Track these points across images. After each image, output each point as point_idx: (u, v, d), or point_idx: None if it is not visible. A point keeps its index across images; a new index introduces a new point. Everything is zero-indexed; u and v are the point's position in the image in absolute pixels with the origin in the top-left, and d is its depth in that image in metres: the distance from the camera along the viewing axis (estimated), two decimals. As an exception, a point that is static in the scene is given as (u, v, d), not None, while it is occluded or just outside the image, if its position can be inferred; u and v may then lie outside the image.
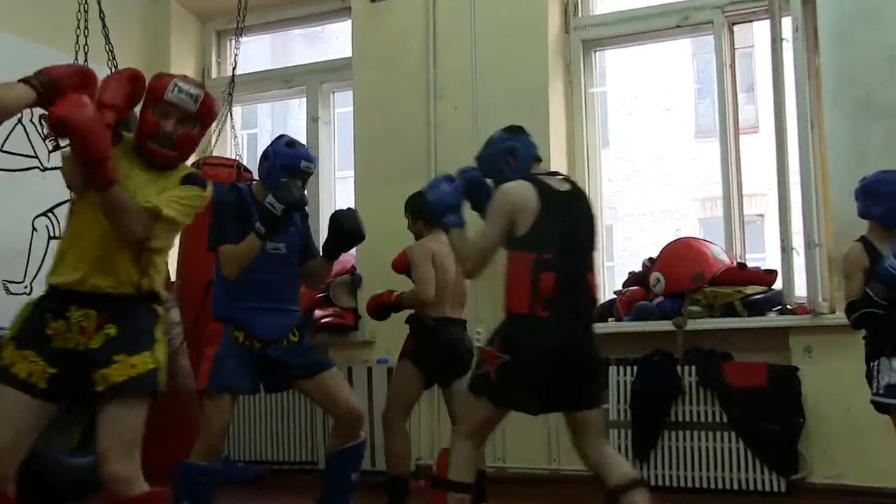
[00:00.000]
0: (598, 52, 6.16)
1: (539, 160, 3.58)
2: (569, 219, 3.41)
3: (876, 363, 3.82)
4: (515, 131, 3.60)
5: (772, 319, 5.06)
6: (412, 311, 4.58)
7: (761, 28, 5.75)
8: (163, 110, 3.05)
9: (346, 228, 4.00)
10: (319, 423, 5.79)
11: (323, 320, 5.77)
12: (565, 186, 3.50)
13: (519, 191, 3.37)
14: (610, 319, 5.41)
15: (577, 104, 5.85)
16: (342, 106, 6.93)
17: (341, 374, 4.17)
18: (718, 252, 5.32)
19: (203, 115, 3.10)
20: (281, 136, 4.09)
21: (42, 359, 2.94)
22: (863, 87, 4.84)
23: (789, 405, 4.84)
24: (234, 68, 6.05)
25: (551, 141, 5.58)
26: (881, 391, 3.78)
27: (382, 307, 4.70)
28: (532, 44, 5.74)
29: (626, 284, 5.56)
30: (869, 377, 3.84)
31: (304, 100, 6.79)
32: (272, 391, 4.11)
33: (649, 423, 5.04)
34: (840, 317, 4.72)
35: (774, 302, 5.11)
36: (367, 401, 5.49)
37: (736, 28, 5.68)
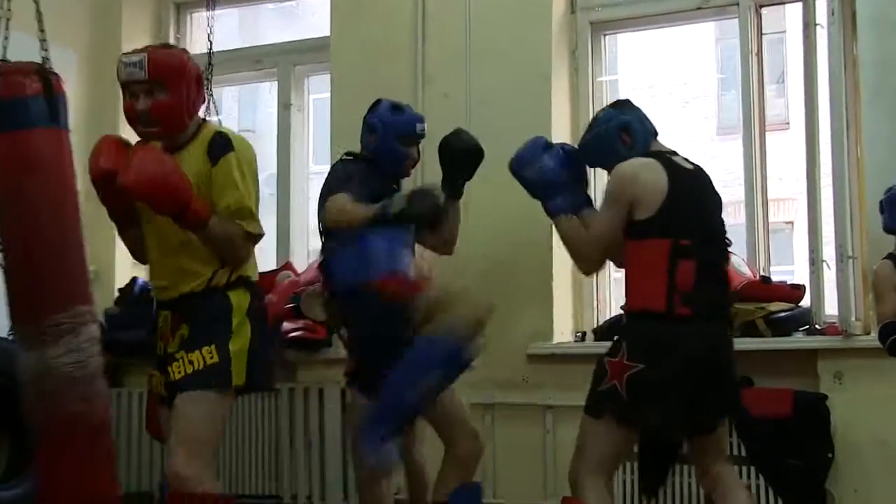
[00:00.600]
0: (608, 36, 6.16)
1: (657, 135, 3.48)
2: (702, 202, 3.35)
3: None
4: (625, 105, 3.53)
5: (798, 340, 5.07)
6: None
7: (793, 11, 5.78)
8: (129, 93, 3.28)
9: (460, 147, 3.86)
10: (285, 450, 5.78)
11: (291, 334, 5.76)
12: (689, 165, 3.44)
13: (642, 168, 3.29)
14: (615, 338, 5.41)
15: (583, 94, 5.85)
16: (318, 91, 6.93)
17: None
18: (739, 263, 5.32)
19: (160, 75, 3.19)
20: (379, 101, 4.10)
21: (157, 368, 3.37)
22: (905, 80, 4.87)
23: (817, 437, 4.83)
24: (210, 46, 5.90)
25: (553, 135, 5.56)
26: None
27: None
28: (533, 25, 5.75)
29: (635, 298, 5.56)
30: None
31: (276, 84, 6.79)
32: None
33: (658, 455, 5.04)
34: (875, 339, 4.74)
35: (802, 321, 5.12)
36: (341, 429, 5.48)
37: (765, 11, 5.68)
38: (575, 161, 3.56)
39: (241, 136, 3.48)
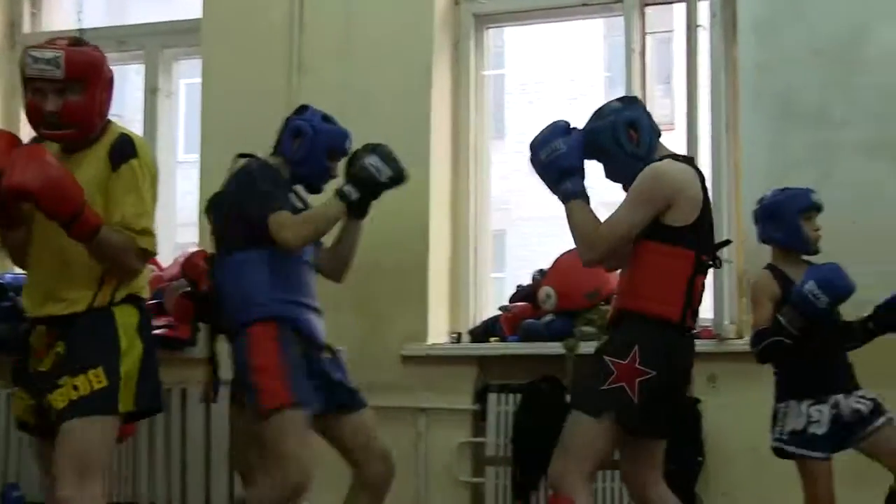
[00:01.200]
0: (492, 30, 6.23)
1: (660, 135, 3.47)
2: (710, 214, 3.42)
3: (784, 405, 3.98)
4: (632, 101, 3.53)
5: (672, 344, 5.22)
6: None
7: (680, 11, 5.93)
8: (33, 89, 3.09)
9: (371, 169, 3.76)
10: (143, 454, 5.72)
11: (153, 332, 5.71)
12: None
13: (682, 174, 3.31)
14: (492, 339, 5.51)
15: (465, 87, 5.90)
16: (189, 76, 6.88)
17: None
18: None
19: (79, 74, 3.08)
20: (304, 107, 3.99)
21: (26, 391, 3.19)
22: (782, 84, 5.04)
23: (688, 442, 4.93)
24: (80, 22, 5.80)
25: (432, 128, 5.63)
26: (784, 437, 3.95)
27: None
28: (415, 16, 5.78)
29: (512, 299, 5.66)
30: (773, 419, 4.01)
31: (143, 67, 6.71)
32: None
33: (532, 460, 5.15)
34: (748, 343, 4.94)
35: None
36: (203, 431, 5.44)
37: (651, 10, 5.77)
38: (583, 149, 3.47)
39: (143, 140, 3.37)
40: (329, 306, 4.02)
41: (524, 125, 13.36)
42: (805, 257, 4.10)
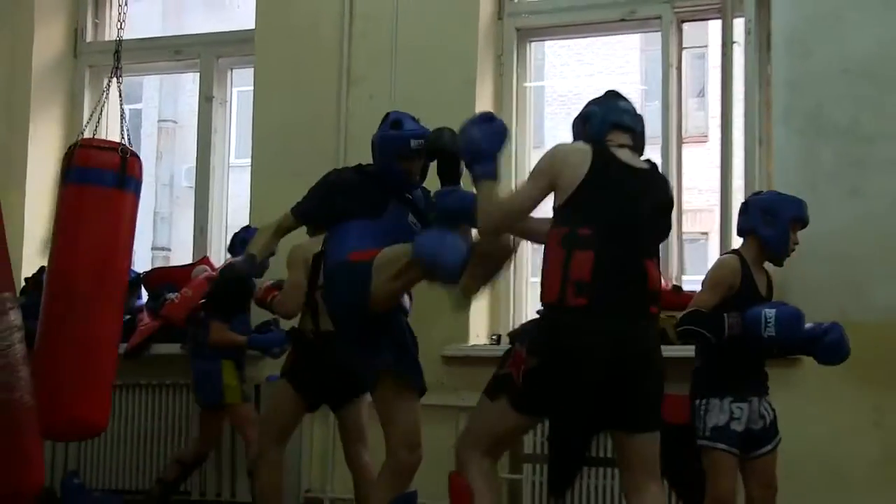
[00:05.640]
0: (533, 43, 6.35)
1: (626, 129, 3.41)
2: (629, 196, 3.27)
3: (703, 402, 4.01)
4: (609, 95, 3.52)
5: (705, 349, 5.26)
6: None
7: (715, 28, 6.01)
8: None
9: (437, 147, 3.85)
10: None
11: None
12: (641, 164, 3.40)
13: (568, 151, 3.28)
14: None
15: (507, 98, 6.02)
16: (242, 85, 6.99)
17: None
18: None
19: None
20: (388, 115, 4.16)
21: None
22: (813, 101, 5.12)
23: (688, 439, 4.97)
24: (119, 32, 5.90)
25: (476, 139, 5.73)
26: (707, 433, 4.00)
27: (260, 303, 4.86)
28: (460, 30, 5.92)
29: (548, 303, 5.73)
30: (692, 415, 4.04)
31: (198, 75, 6.85)
32: None
33: (565, 457, 5.19)
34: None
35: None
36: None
37: (688, 26, 5.91)
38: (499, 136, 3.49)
39: None
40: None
41: (563, 135, 13.42)
42: (766, 265, 4.15)
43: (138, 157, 5.00)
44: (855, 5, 5.11)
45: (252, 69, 6.39)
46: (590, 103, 3.51)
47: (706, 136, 10.88)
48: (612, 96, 3.52)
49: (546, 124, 12.21)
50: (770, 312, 3.86)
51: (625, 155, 3.35)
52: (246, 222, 5.91)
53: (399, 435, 3.96)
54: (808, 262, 4.93)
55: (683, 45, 5.89)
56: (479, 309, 5.69)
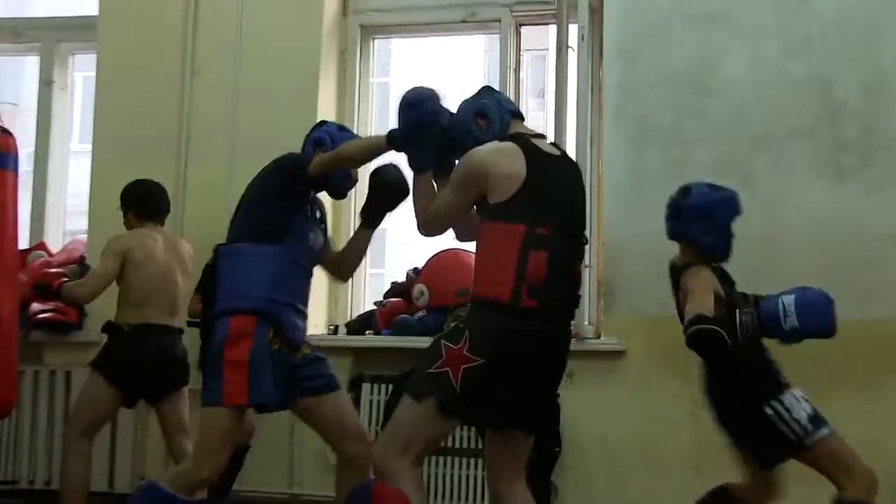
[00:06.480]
0: (378, 40, 6.43)
1: (521, 117, 3.38)
2: (563, 189, 3.20)
3: (775, 403, 3.50)
4: (483, 91, 3.43)
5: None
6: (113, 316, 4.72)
7: (554, 32, 6.17)
8: None
9: (390, 181, 3.87)
10: (26, 434, 5.72)
11: (40, 315, 5.72)
12: (554, 151, 3.34)
13: (494, 153, 3.14)
14: (368, 332, 5.69)
15: (350, 93, 6.09)
16: (84, 70, 6.86)
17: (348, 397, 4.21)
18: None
19: None
20: (323, 122, 4.16)
21: None
22: (641, 105, 5.35)
23: (547, 433, 5.04)
24: None
25: (318, 132, 5.78)
26: (808, 427, 3.48)
27: (42, 286, 4.72)
28: (305, 24, 5.95)
29: (387, 295, 5.85)
30: (772, 423, 3.49)
31: (38, 59, 6.69)
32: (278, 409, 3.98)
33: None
34: (606, 342, 5.22)
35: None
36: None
37: (529, 29, 6.06)
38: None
39: None
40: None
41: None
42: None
43: (12, 135, 4.83)
44: (680, 18, 5.35)
45: (94, 55, 6.28)
46: (472, 99, 3.40)
47: (544, 136, 11.19)
48: (489, 89, 3.49)
49: (392, 120, 12.30)
50: (788, 299, 3.45)
51: (543, 145, 3.31)
52: (85, 209, 5.82)
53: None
54: (633, 259, 5.19)
55: (524, 48, 6.05)
56: (317, 298, 5.73)
